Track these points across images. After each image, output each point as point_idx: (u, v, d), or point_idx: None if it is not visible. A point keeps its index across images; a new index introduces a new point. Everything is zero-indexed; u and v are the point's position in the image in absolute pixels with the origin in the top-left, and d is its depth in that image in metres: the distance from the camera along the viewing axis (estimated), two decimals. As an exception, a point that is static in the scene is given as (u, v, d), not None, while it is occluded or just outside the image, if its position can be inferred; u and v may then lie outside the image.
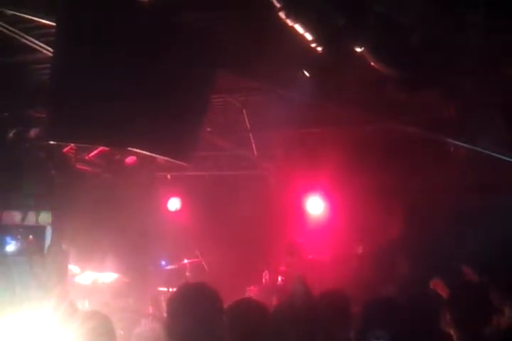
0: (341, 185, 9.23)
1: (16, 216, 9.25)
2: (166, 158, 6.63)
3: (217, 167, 10.42)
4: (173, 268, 9.47)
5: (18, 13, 5.27)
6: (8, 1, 5.21)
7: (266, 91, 7.62)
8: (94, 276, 8.85)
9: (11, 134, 7.93)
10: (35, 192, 8.77)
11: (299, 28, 4.48)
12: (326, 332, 3.66)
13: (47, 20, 5.21)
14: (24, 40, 5.96)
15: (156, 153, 6.09)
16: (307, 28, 4.49)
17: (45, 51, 6.05)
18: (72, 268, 8.79)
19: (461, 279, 5.15)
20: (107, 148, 8.80)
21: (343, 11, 4.49)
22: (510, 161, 6.85)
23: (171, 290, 8.73)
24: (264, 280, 9.21)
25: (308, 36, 4.56)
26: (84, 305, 7.71)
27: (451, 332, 3.75)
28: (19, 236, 5.41)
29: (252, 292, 8.86)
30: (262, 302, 3.44)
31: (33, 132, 8.03)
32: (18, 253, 5.36)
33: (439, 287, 4.94)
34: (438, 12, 4.51)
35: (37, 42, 5.99)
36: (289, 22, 4.43)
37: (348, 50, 4.77)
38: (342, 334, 3.87)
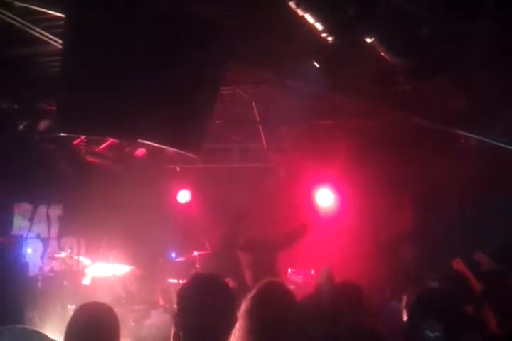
0: (351, 176, 9.21)
1: (27, 208, 9.30)
2: (175, 150, 6.64)
3: (226, 159, 10.41)
4: (184, 260, 9.49)
5: (28, 5, 5.26)
6: (18, -7, 5.21)
7: (275, 83, 7.58)
8: (105, 268, 8.89)
9: (21, 126, 7.94)
10: (45, 184, 8.80)
11: (309, 18, 4.46)
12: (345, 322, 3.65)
13: (56, 11, 5.19)
14: (33, 32, 5.95)
15: (165, 145, 6.09)
16: (318, 18, 4.47)
17: (54, 43, 6.04)
18: (83, 259, 8.83)
19: (478, 269, 5.14)
20: (116, 141, 8.82)
21: (354, 1, 4.46)
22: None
23: (181, 282, 8.75)
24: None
25: (319, 26, 4.54)
26: (94, 296, 7.75)
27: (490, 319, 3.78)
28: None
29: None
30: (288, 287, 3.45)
31: (43, 124, 8.04)
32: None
33: (460, 267, 4.97)
34: (449, 1, 4.47)
35: (46, 34, 5.98)
36: (300, 12, 4.40)
37: (358, 40, 4.74)
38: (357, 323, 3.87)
